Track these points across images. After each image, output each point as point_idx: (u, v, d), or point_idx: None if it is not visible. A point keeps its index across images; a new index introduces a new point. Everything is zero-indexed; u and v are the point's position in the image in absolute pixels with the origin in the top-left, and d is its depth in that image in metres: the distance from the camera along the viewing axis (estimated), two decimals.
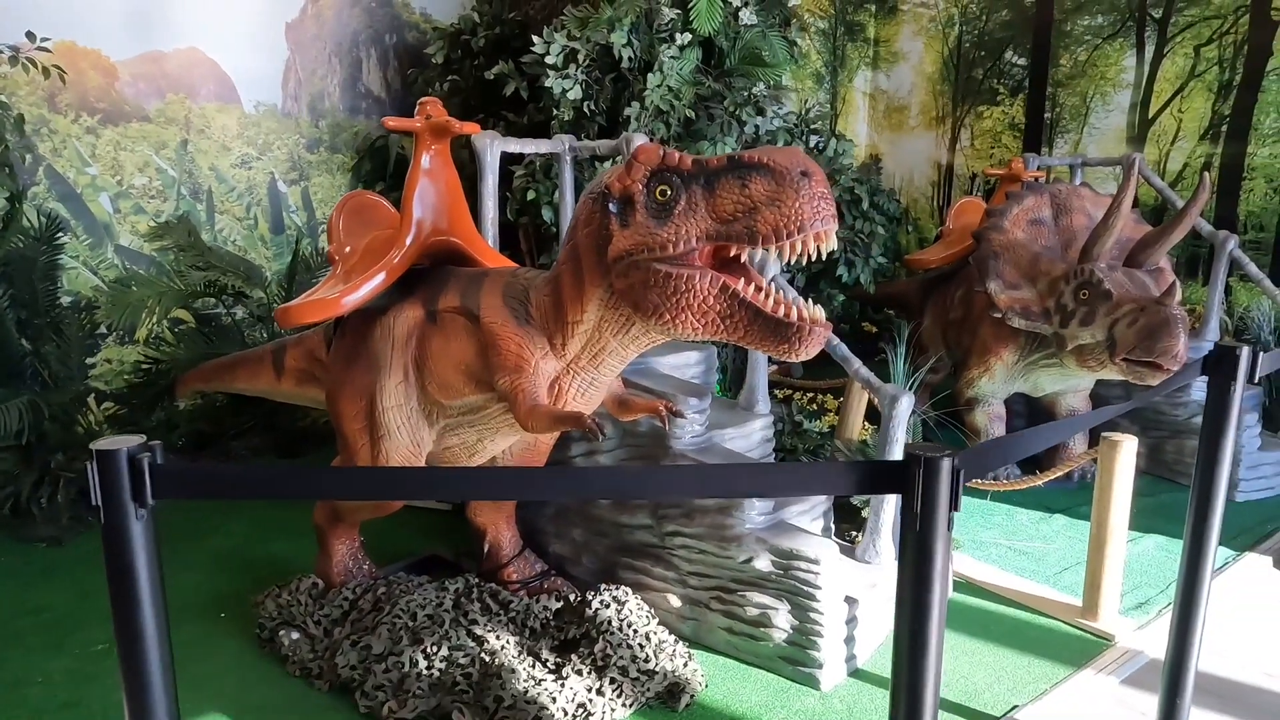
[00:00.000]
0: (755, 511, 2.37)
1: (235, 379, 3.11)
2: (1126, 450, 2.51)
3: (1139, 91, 5.32)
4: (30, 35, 3.25)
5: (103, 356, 3.95)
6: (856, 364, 2.63)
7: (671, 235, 1.73)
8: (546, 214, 3.48)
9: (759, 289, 1.75)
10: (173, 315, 3.95)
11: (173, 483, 1.04)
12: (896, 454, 2.46)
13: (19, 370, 3.43)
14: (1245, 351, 1.71)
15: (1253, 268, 3.90)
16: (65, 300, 3.74)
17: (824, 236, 1.67)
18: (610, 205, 1.81)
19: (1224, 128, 4.96)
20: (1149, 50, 5.25)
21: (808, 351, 1.72)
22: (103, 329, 3.85)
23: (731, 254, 1.74)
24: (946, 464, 1.03)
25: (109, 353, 3.97)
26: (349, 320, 2.43)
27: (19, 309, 3.46)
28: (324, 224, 4.53)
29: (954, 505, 1.04)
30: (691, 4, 3.56)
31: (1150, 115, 5.27)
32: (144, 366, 3.97)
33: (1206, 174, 3.06)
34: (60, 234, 3.65)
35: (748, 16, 3.72)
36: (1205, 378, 1.83)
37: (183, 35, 3.97)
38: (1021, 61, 5.91)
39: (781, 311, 1.71)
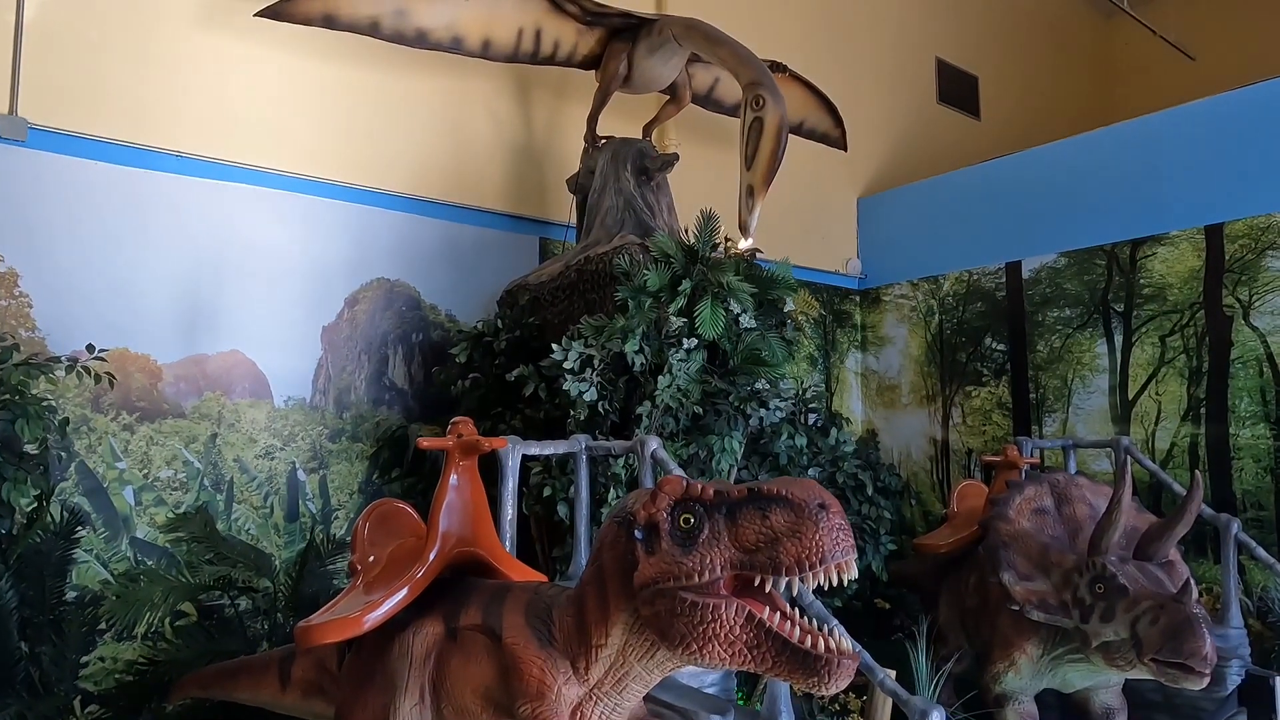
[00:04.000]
0: None
1: (237, 687, 3.00)
2: None
3: (1115, 376, 5.66)
4: (90, 347, 3.51)
5: (97, 655, 3.82)
6: (881, 674, 2.56)
7: (696, 564, 1.79)
8: (562, 509, 3.57)
9: (784, 616, 1.78)
10: (176, 609, 3.88)
11: None
12: None
13: (10, 676, 3.30)
14: (1279, 681, 1.69)
15: (1261, 552, 3.92)
16: (70, 595, 3.70)
17: (845, 567, 1.73)
18: (636, 532, 1.88)
19: (1203, 410, 5.22)
20: (1118, 339, 5.67)
21: (836, 685, 1.71)
22: (103, 625, 3.77)
23: (756, 582, 1.78)
24: None
25: (104, 650, 3.84)
26: (366, 634, 2.41)
27: (24, 608, 3.41)
28: (338, 510, 4.60)
29: None
30: (696, 313, 3.91)
31: (1130, 397, 5.57)
32: (139, 665, 3.83)
33: (1198, 473, 3.20)
34: (79, 529, 3.70)
35: (747, 321, 4.06)
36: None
37: (226, 340, 4.31)
38: (1001, 347, 6.35)
39: (809, 643, 1.72)
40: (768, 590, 1.79)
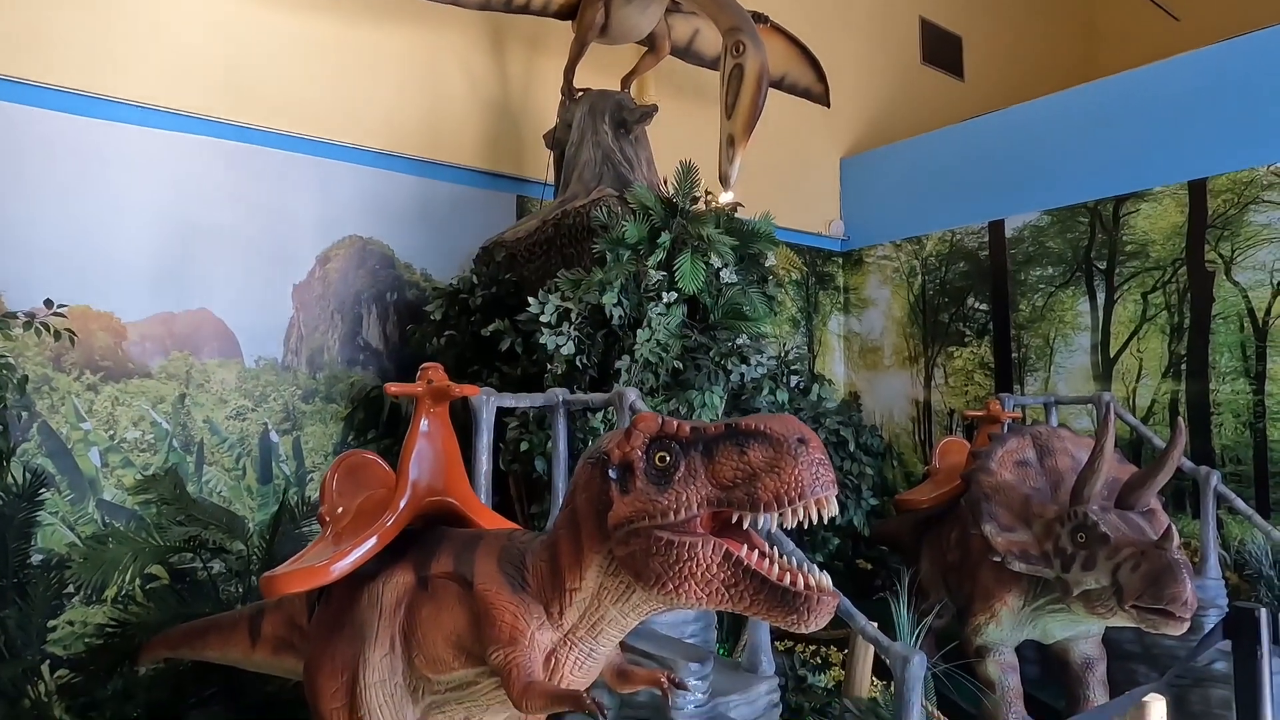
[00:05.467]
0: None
1: (206, 646, 2.93)
2: (1157, 713, 2.37)
3: (1097, 334, 5.64)
4: (48, 302, 3.39)
5: (65, 619, 3.73)
6: (862, 621, 2.53)
7: (672, 502, 1.73)
8: (539, 464, 3.50)
9: (763, 555, 1.72)
10: (146, 571, 3.80)
11: None
12: None
13: None
14: (1264, 614, 1.66)
15: (1240, 503, 3.93)
16: (36, 559, 3.61)
17: (824, 502, 1.68)
18: (610, 472, 1.81)
19: (1184, 366, 5.21)
20: (1100, 297, 5.65)
21: (817, 623, 1.66)
22: (70, 589, 3.68)
23: (733, 520, 1.72)
24: None
25: (73, 614, 3.75)
26: (335, 585, 2.34)
27: None
28: (313, 473, 4.51)
29: None
30: (676, 266, 3.83)
31: (1112, 355, 5.55)
32: (108, 629, 3.75)
33: (1181, 420, 3.18)
34: (43, 490, 3.60)
35: (728, 275, 3.99)
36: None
37: (194, 298, 4.18)
38: (983, 307, 6.31)
39: (788, 580, 1.67)
40: (745, 528, 1.73)
